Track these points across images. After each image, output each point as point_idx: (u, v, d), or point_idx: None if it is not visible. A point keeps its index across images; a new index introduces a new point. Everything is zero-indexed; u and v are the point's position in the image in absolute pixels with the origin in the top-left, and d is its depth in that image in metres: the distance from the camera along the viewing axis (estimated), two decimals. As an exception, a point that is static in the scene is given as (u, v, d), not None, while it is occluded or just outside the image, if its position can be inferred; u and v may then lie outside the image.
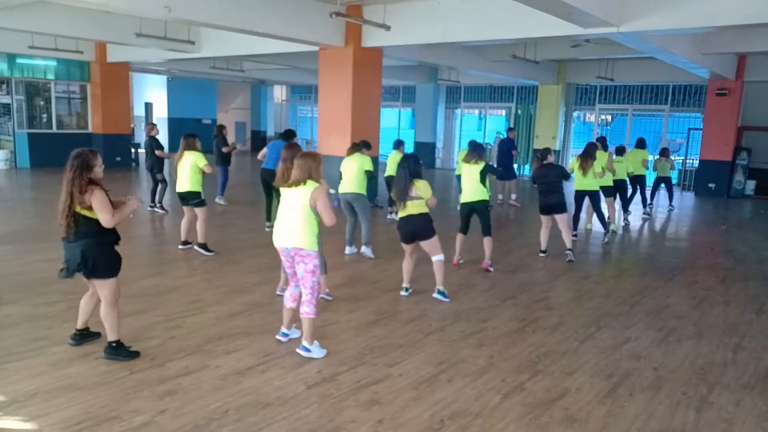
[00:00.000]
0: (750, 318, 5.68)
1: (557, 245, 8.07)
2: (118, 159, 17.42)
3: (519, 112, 20.01)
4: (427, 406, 3.66)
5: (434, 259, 5.75)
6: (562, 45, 12.81)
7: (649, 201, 12.25)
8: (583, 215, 9.41)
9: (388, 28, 9.12)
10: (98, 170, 4.05)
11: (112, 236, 4.11)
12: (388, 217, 10.22)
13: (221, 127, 11.67)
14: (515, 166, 13.83)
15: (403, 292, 5.92)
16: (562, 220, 7.66)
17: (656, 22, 7.98)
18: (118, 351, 4.14)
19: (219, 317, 5.08)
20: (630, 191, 11.46)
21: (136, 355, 4.17)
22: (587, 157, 8.50)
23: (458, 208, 7.36)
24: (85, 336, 4.39)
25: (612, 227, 9.55)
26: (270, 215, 8.72)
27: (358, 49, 10.84)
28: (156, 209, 10.26)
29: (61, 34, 12.29)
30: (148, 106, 24.33)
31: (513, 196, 12.77)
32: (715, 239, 10.12)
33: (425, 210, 5.64)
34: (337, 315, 5.24)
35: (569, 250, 7.70)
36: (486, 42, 10.69)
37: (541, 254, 7.87)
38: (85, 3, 8.18)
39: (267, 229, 8.65)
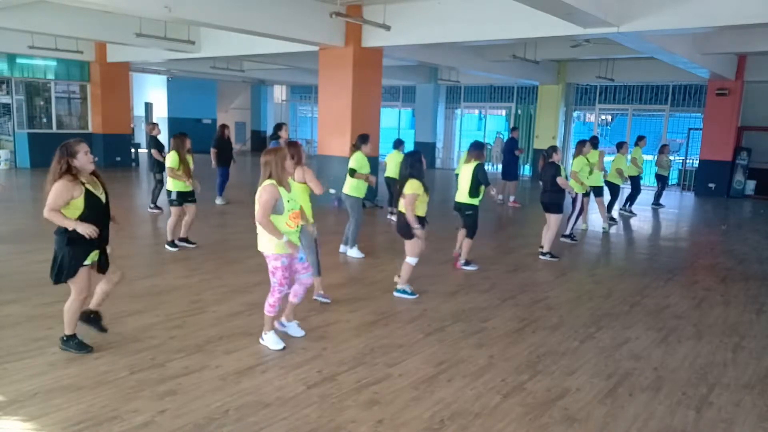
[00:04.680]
0: (750, 318, 5.68)
1: (558, 245, 8.10)
2: (118, 159, 17.44)
3: (519, 112, 20.01)
4: (427, 406, 3.66)
5: (406, 259, 5.81)
6: (562, 45, 12.81)
7: (653, 201, 12.86)
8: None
9: (388, 28, 9.12)
10: (82, 156, 3.92)
11: (74, 233, 3.94)
12: (388, 217, 10.22)
13: (223, 127, 11.62)
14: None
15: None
16: (552, 219, 7.71)
17: (656, 22, 7.98)
18: (68, 343, 4.20)
19: (219, 317, 5.08)
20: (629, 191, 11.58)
21: (88, 349, 4.18)
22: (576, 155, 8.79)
23: None
24: (91, 319, 4.41)
25: (584, 226, 9.62)
26: None
27: (358, 49, 10.84)
28: (153, 209, 10.28)
29: (61, 34, 12.30)
30: (148, 106, 24.33)
31: (511, 198, 12.71)
32: (715, 239, 10.12)
33: (409, 212, 5.62)
34: (337, 315, 5.24)
35: (540, 247, 7.80)
36: (486, 42, 10.69)
37: (541, 251, 7.90)
38: (85, 3, 8.18)
39: None
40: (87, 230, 3.91)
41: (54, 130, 17.24)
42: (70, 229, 3.92)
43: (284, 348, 4.42)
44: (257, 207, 4.19)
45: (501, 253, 7.87)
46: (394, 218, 10.01)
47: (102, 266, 4.21)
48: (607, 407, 3.73)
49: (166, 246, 7.48)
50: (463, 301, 5.81)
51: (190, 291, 5.82)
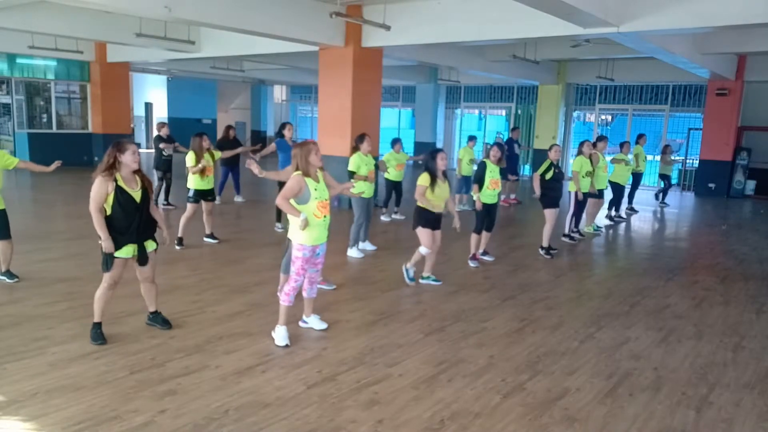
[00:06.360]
0: (750, 318, 5.68)
1: (559, 243, 8.10)
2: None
3: (519, 112, 20.01)
4: (427, 406, 3.66)
5: (419, 248, 6.22)
6: (562, 45, 12.80)
7: (661, 200, 13.47)
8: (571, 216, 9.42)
9: (388, 28, 9.12)
10: (129, 155, 4.22)
11: (112, 230, 4.27)
12: (381, 217, 10.18)
13: (228, 128, 11.65)
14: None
15: (421, 280, 6.39)
16: (545, 214, 7.84)
17: (656, 22, 7.98)
18: (91, 330, 4.42)
19: (219, 317, 5.09)
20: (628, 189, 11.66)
21: (100, 341, 4.35)
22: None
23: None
24: (157, 319, 4.77)
25: (589, 228, 9.69)
26: (280, 216, 8.74)
27: (358, 49, 10.84)
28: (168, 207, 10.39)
29: (61, 34, 12.28)
30: (148, 106, 24.33)
31: (503, 196, 12.58)
32: (715, 239, 10.12)
33: (419, 203, 6.07)
34: (338, 315, 5.24)
35: (542, 247, 7.90)
36: (486, 42, 10.68)
37: (541, 250, 7.94)
38: (85, 3, 8.18)
39: (278, 230, 8.67)
40: (105, 244, 4.21)
41: (54, 130, 17.24)
42: (100, 234, 4.22)
43: (287, 346, 4.45)
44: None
45: (501, 253, 7.86)
46: (384, 218, 10.10)
47: (141, 259, 4.43)
48: (607, 407, 3.73)
49: (174, 243, 7.54)
50: (463, 301, 5.81)
51: (190, 291, 5.82)
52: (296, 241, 4.49)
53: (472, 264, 7.21)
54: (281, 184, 5.70)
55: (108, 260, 4.29)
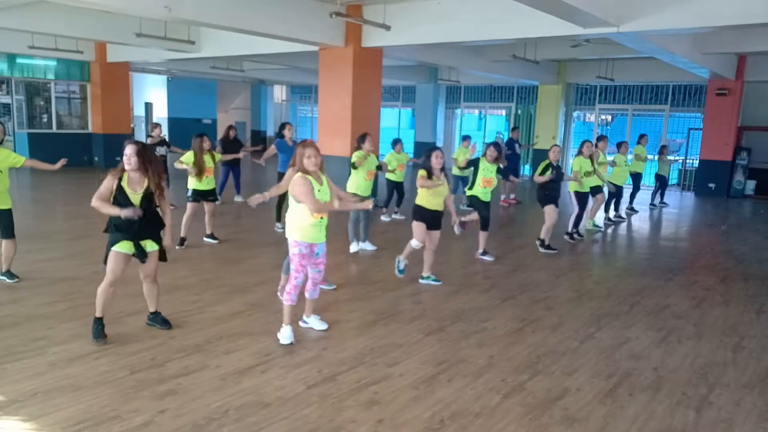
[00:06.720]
0: (750, 318, 5.68)
1: (559, 243, 8.07)
2: (118, 159, 17.27)
3: (519, 112, 20.01)
4: (427, 406, 3.66)
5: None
6: (562, 45, 12.80)
7: (651, 201, 13.01)
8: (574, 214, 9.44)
9: (388, 28, 9.12)
10: (124, 158, 4.31)
11: (109, 223, 4.36)
12: (381, 217, 10.18)
13: (228, 128, 11.72)
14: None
15: (421, 280, 6.38)
16: (545, 211, 7.90)
17: (656, 22, 7.98)
18: (93, 325, 4.43)
19: (219, 317, 5.09)
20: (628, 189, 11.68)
21: (101, 338, 4.36)
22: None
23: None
24: (157, 319, 4.77)
25: (589, 223, 9.76)
26: (280, 216, 8.73)
27: (358, 49, 10.84)
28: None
29: (61, 34, 12.29)
30: (148, 106, 24.32)
31: (502, 197, 12.62)
32: (715, 239, 10.12)
33: (417, 200, 6.18)
34: (338, 315, 5.24)
35: (539, 239, 8.00)
36: (486, 42, 10.69)
37: (537, 241, 8.05)
38: (85, 3, 8.18)
39: (278, 230, 8.66)
40: (124, 213, 4.21)
41: (54, 130, 17.25)
42: (113, 215, 4.28)
43: (291, 343, 4.48)
44: (301, 198, 4.40)
45: (501, 253, 7.86)
46: (384, 218, 10.11)
47: (139, 257, 4.46)
48: (607, 407, 3.73)
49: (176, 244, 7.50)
50: (463, 301, 5.81)
51: (190, 291, 5.82)
52: (291, 238, 4.52)
53: (456, 229, 7.34)
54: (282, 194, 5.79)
55: (107, 250, 4.37)
